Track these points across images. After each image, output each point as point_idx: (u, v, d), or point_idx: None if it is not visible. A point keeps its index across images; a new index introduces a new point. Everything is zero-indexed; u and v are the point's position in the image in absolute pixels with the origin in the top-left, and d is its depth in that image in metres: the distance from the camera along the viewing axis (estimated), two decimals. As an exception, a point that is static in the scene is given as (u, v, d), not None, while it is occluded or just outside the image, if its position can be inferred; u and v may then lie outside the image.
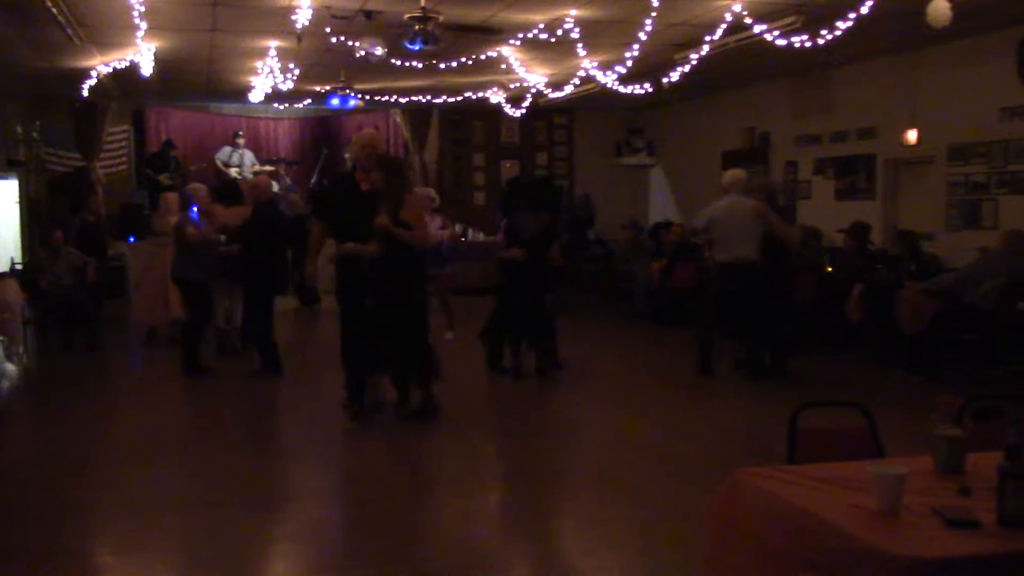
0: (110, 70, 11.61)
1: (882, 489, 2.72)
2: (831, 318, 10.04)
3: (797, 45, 9.02)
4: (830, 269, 10.92)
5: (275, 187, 15.08)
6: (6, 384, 8.59)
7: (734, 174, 9.34)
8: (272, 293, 9.37)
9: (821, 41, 8.82)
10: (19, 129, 14.36)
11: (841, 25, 8.50)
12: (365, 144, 7.38)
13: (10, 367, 8.36)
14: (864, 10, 7.92)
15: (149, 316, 11.09)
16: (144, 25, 8.85)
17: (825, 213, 12.75)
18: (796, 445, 3.60)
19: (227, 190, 10.99)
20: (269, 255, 9.23)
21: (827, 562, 2.62)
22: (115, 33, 9.82)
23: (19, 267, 12.13)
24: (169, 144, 16.02)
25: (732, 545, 3.07)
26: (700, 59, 10.17)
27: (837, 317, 9.85)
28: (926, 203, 11.27)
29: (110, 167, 15.93)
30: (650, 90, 12.16)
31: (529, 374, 9.06)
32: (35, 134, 14.65)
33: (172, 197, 11.23)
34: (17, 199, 15.48)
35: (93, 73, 11.80)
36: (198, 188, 9.75)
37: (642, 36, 9.38)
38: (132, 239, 14.27)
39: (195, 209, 9.41)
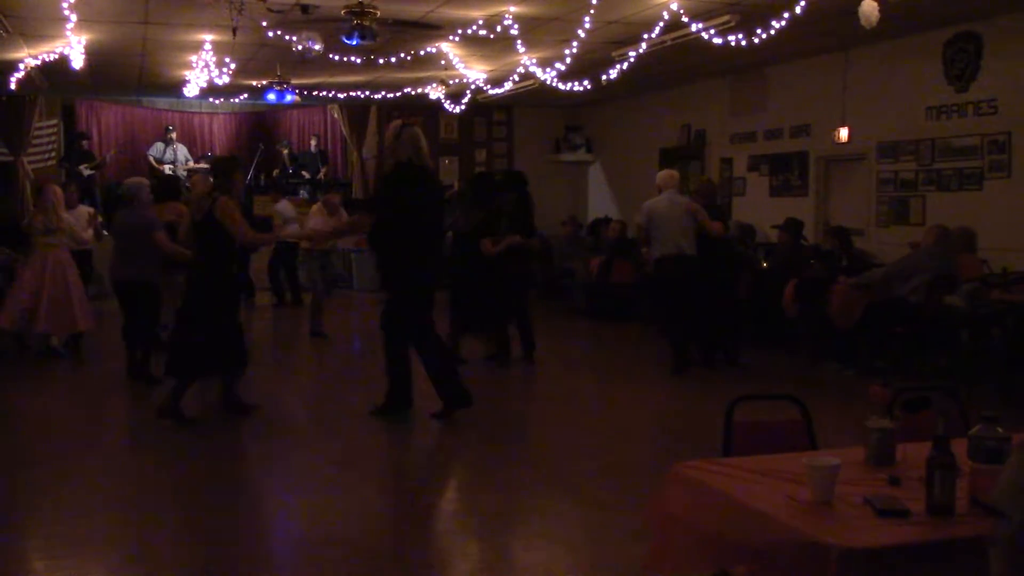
0: (38, 63, 11.33)
1: (816, 480, 2.77)
2: (766, 313, 10.21)
3: (733, 44, 9.14)
4: (765, 265, 11.09)
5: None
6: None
7: (668, 173, 9.62)
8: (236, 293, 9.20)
9: (756, 40, 8.95)
10: (-57, 123, 13.98)
11: (775, 24, 8.64)
12: None
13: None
14: (798, 10, 8.05)
15: (12, 322, 9.73)
16: (74, 17, 8.66)
17: (759, 210, 12.94)
18: (732, 438, 3.65)
19: (163, 186, 10.72)
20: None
21: (763, 553, 2.67)
22: (44, 25, 9.59)
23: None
24: (80, 135, 15.69)
25: (674, 538, 3.11)
26: (638, 57, 10.25)
27: (772, 312, 10.02)
28: (857, 200, 11.50)
29: (38, 162, 15.57)
30: (589, 87, 12.22)
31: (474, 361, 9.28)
32: (-40, 128, 14.28)
33: (60, 190, 10.21)
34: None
35: (21, 66, 11.51)
36: (144, 183, 9.32)
37: (580, 33, 9.44)
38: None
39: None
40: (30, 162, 15.43)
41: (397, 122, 7.25)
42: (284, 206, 13.82)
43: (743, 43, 9.08)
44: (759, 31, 8.89)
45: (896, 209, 10.84)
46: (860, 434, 3.18)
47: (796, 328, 9.96)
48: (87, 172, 15.14)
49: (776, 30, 8.73)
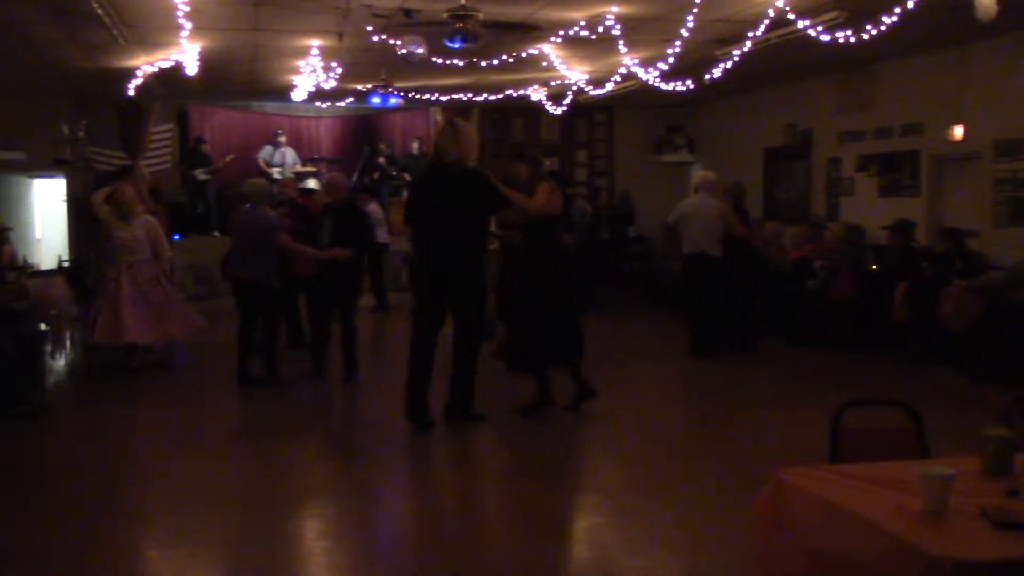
0: (155, 70, 11.74)
1: (929, 490, 2.68)
2: (875, 316, 9.95)
3: (841, 40, 8.91)
4: (874, 267, 10.81)
5: (313, 184, 15.24)
6: (53, 379, 8.74)
7: (704, 175, 10.51)
8: (358, 295, 9.29)
9: (865, 36, 8.71)
10: (66, 129, 14.60)
11: (886, 19, 8.39)
12: None
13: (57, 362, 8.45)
14: (909, 4, 7.80)
15: (113, 335, 9.31)
16: (188, 25, 8.95)
17: (868, 210, 12.59)
18: (839, 444, 3.56)
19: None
20: (356, 257, 8.97)
21: (873, 563, 2.59)
22: (159, 33, 9.94)
23: (66, 265, 12.33)
24: (199, 140, 16.15)
25: (779, 546, 3.04)
26: (742, 55, 10.09)
27: (881, 315, 9.77)
28: (972, 200, 11.09)
29: (155, 166, 16.12)
30: (692, 87, 12.08)
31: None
32: (81, 133, 14.87)
33: (131, 191, 9.91)
34: (64, 198, 15.80)
35: (138, 73, 11.95)
36: (265, 184, 9.36)
37: (683, 32, 9.33)
38: (177, 237, 14.47)
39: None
40: (147, 165, 15.98)
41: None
42: (374, 209, 14.05)
43: (851, 40, 8.84)
44: (868, 27, 8.64)
45: (1014, 209, 10.41)
46: (975, 443, 3.07)
47: (906, 332, 9.67)
48: (203, 177, 15.64)
49: (887, 25, 8.47)
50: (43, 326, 8.78)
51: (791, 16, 8.44)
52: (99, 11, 8.61)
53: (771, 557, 3.09)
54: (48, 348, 9.21)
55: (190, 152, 16.14)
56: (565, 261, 7.68)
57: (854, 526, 2.68)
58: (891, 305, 9.59)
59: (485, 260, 7.26)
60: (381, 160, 16.78)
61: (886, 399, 3.76)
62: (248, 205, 8.93)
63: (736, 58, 10.23)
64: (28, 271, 10.81)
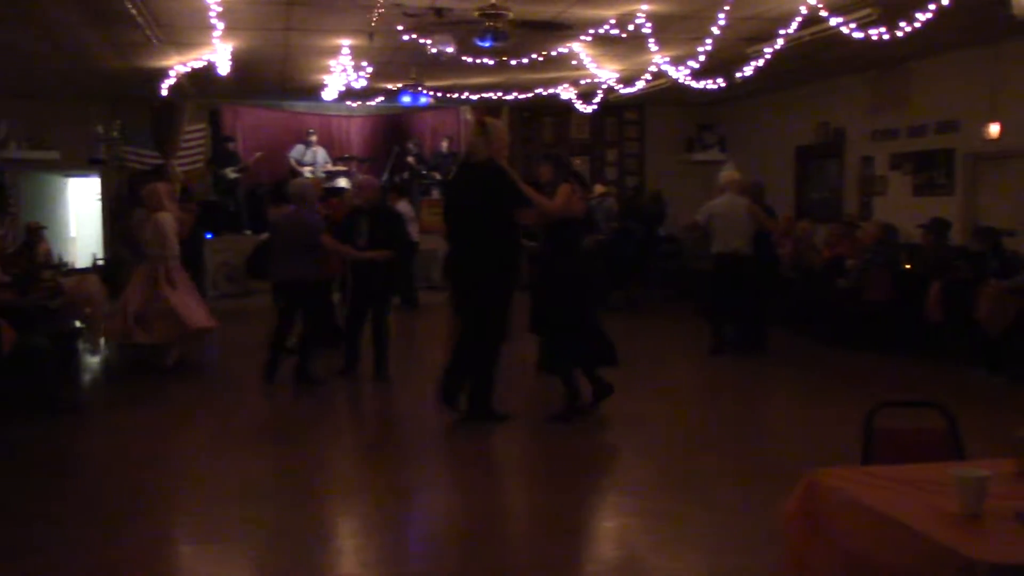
0: (187, 70, 11.83)
1: (964, 492, 2.65)
2: (908, 316, 9.85)
3: (874, 38, 8.82)
4: (908, 267, 10.69)
5: (343, 183, 15.31)
6: (87, 376, 8.81)
7: (730, 175, 10.53)
8: (392, 294, 9.28)
9: (899, 34, 8.61)
10: (100, 128, 14.76)
11: (920, 17, 8.29)
12: None
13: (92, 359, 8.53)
14: (944, 0, 7.71)
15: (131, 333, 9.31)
16: (220, 25, 9.02)
17: (902, 209, 12.46)
18: (872, 445, 3.52)
19: (280, 190, 10.91)
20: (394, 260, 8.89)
21: (907, 565, 2.56)
22: (192, 33, 10.02)
23: (101, 263, 12.46)
24: (227, 139, 16.23)
25: (812, 547, 3.01)
26: (773, 53, 10.01)
27: (915, 315, 9.66)
28: (1008, 199, 10.94)
29: (187, 165, 16.25)
30: (723, 85, 12.01)
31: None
32: (115, 133, 15.03)
33: (164, 188, 9.89)
34: (99, 197, 15.99)
35: (171, 73, 12.05)
36: (310, 184, 9.35)
37: (714, 30, 9.28)
38: (209, 235, 14.59)
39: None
40: (180, 165, 16.12)
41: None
42: (404, 207, 14.06)
43: (885, 37, 8.74)
44: (902, 24, 8.55)
45: (1051, 209, 10.27)
46: (1011, 445, 3.03)
47: (940, 333, 9.56)
48: (232, 175, 15.74)
49: (921, 22, 8.37)
50: (77, 324, 8.88)
51: (823, 13, 8.36)
52: (133, 11, 8.70)
53: (805, 558, 3.06)
54: (82, 345, 9.31)
55: (218, 151, 16.26)
56: (585, 263, 7.61)
57: (888, 528, 2.65)
58: (925, 305, 9.48)
59: (513, 261, 7.21)
60: (410, 159, 16.80)
61: (920, 399, 3.71)
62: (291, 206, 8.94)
63: (768, 56, 10.16)
64: (63, 269, 10.92)
